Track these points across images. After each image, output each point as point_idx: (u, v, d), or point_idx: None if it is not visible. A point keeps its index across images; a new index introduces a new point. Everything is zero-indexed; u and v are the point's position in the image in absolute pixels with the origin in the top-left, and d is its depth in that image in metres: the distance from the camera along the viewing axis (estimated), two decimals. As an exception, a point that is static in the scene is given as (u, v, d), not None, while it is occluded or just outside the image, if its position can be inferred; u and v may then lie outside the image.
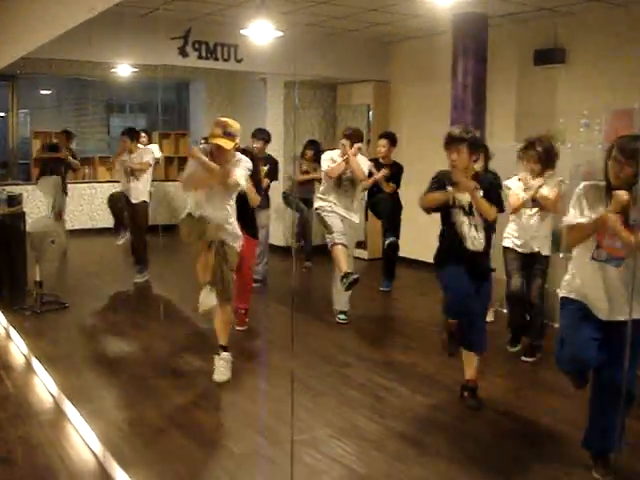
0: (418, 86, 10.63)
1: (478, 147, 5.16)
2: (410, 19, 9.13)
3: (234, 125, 5.38)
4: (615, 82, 7.88)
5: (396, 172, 8.54)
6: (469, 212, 4.94)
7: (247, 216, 6.44)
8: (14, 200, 8.18)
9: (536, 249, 6.13)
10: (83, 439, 4.55)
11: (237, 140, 5.40)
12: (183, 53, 9.47)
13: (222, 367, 5.59)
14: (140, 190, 9.05)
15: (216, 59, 9.75)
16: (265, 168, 8.42)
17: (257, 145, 8.48)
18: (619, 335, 3.74)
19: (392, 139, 8.65)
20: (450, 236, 5.02)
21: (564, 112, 8.21)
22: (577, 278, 4.03)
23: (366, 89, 11.44)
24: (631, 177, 3.70)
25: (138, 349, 6.40)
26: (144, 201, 9.10)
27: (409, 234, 9.21)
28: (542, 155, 5.98)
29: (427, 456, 4.36)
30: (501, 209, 5.12)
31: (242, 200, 6.05)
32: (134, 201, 9.01)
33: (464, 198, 4.93)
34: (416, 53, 10.72)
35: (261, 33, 8.03)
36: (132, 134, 9.25)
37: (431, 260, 5.21)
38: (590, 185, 3.97)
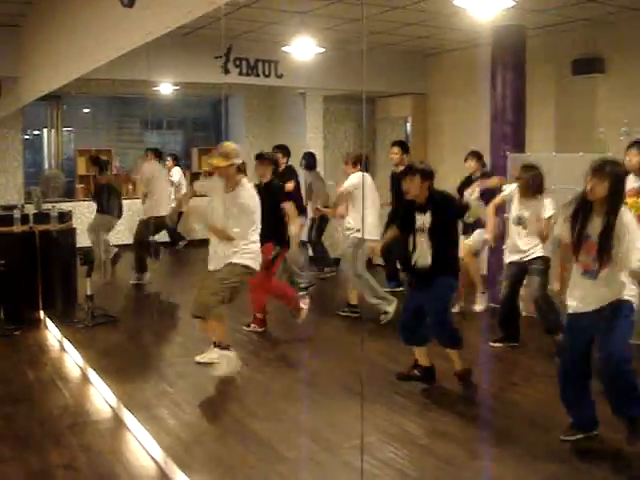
0: (456, 98, 10.73)
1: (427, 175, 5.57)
2: (448, 32, 9.25)
3: (228, 146, 5.84)
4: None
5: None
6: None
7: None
8: (64, 216, 8.42)
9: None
10: (143, 446, 4.70)
11: (234, 160, 5.69)
12: (225, 70, 9.66)
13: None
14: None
15: (257, 75, 9.95)
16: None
17: None
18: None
19: (404, 147, 8.74)
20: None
21: (604, 121, 8.27)
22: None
23: (404, 102, 11.57)
24: None
25: (189, 359, 6.55)
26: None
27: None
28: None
29: (477, 460, 4.46)
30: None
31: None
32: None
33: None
34: (454, 65, 10.83)
35: (303, 49, 8.23)
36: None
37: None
38: None
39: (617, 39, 8.46)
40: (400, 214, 5.95)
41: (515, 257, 6.64)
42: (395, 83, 11.12)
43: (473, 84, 9.97)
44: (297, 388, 5.86)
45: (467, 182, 8.11)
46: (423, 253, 5.47)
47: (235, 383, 5.97)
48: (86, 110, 14.98)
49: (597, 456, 4.49)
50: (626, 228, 4.21)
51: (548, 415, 5.08)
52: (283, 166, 9.01)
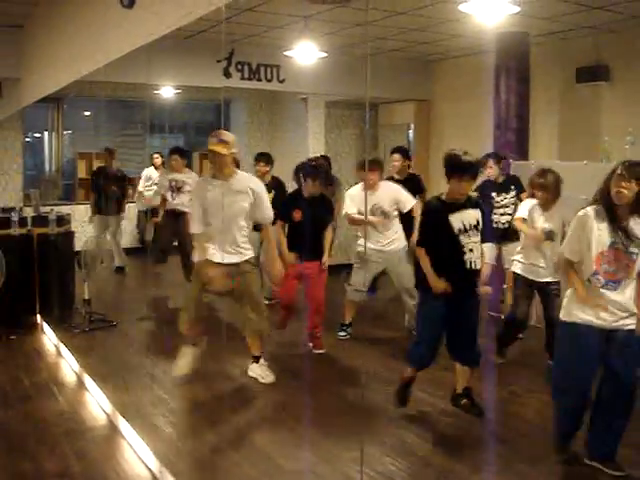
0: (459, 105, 10.67)
1: None
2: (453, 38, 9.20)
3: (228, 134, 5.73)
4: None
5: (411, 186, 7.61)
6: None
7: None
8: (63, 220, 8.34)
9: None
10: (138, 455, 4.62)
11: (233, 150, 5.61)
12: (227, 74, 9.61)
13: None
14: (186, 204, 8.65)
15: (259, 79, 9.92)
16: None
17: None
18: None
19: (405, 153, 8.04)
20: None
21: (608, 130, 8.20)
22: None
23: (407, 108, 11.52)
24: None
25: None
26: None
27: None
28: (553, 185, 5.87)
29: (478, 473, 4.38)
30: None
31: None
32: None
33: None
34: (457, 72, 10.77)
35: (305, 54, 8.17)
36: (182, 153, 9.23)
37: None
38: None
39: (622, 47, 8.40)
40: None
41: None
42: (398, 89, 11.07)
43: (477, 91, 9.91)
44: (296, 399, 5.77)
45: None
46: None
47: (233, 393, 5.89)
48: (87, 113, 14.92)
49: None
50: None
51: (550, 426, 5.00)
52: (268, 177, 8.37)
